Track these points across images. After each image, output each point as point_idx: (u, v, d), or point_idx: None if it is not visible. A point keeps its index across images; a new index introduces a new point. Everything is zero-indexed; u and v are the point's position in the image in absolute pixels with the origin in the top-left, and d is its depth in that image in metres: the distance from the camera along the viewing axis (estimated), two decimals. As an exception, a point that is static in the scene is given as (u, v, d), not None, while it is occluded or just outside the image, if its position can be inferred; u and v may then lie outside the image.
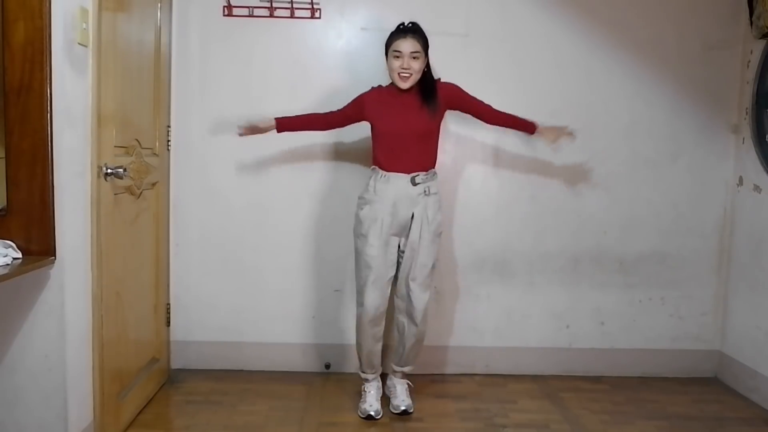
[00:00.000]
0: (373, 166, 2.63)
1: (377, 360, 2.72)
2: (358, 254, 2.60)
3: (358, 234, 2.60)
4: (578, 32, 3.09)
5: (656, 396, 2.97)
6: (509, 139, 3.06)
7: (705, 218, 3.20)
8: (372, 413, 2.61)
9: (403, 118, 2.57)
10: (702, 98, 3.15)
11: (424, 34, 2.56)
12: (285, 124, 2.69)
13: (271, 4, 3.00)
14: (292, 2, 3.00)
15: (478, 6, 3.06)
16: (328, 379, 3.07)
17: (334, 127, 2.76)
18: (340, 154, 3.03)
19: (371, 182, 2.60)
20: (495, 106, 3.09)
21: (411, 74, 2.52)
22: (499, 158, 3.10)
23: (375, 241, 2.55)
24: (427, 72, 2.59)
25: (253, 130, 2.67)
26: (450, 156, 3.10)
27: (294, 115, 2.71)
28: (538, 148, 3.10)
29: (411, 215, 2.58)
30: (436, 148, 2.68)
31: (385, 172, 2.57)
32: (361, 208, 2.60)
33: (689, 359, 3.24)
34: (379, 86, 2.67)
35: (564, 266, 3.19)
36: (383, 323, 2.66)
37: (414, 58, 2.50)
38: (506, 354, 3.20)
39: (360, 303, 2.61)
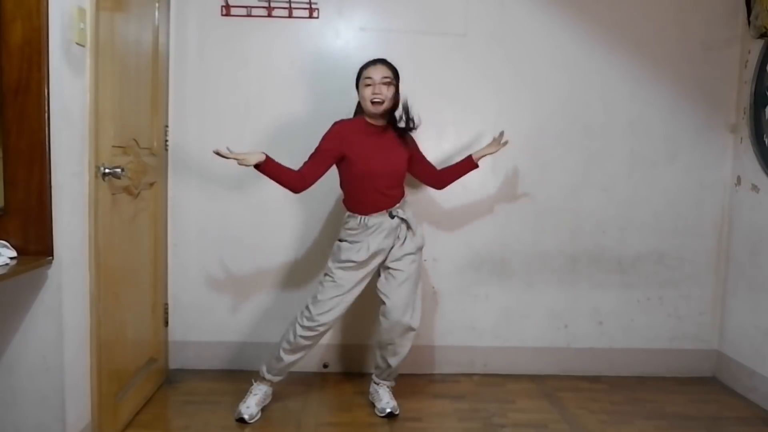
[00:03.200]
0: (348, 212, 2.60)
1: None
2: (332, 276, 2.55)
3: (336, 260, 2.57)
4: (576, 32, 3.09)
5: (654, 396, 2.98)
6: (507, 139, 3.05)
7: (703, 218, 3.21)
8: (246, 417, 2.55)
9: (382, 156, 2.55)
10: (700, 98, 3.15)
11: (393, 65, 2.56)
12: (269, 166, 2.46)
13: (269, 4, 2.99)
14: (290, 2, 2.99)
15: (476, 6, 3.05)
16: (326, 379, 3.07)
17: (308, 182, 2.53)
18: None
19: (352, 225, 2.57)
20: (493, 107, 3.11)
21: (383, 100, 2.50)
22: (497, 157, 3.09)
23: (354, 271, 2.54)
24: (396, 105, 2.58)
25: (235, 156, 2.39)
26: (448, 155, 3.09)
27: (281, 164, 2.51)
28: (537, 149, 3.11)
29: (393, 243, 2.58)
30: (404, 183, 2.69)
31: (363, 216, 2.56)
32: (342, 242, 2.59)
33: (687, 359, 3.24)
34: (342, 120, 2.61)
35: (562, 266, 3.19)
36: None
37: (385, 83, 2.50)
38: (504, 354, 3.20)
39: (309, 315, 2.53)
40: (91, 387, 2.18)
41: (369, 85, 2.51)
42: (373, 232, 2.55)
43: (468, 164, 2.75)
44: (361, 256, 2.53)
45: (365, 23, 3.03)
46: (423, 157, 2.74)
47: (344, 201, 2.66)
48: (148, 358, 2.79)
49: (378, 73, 2.50)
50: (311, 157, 2.54)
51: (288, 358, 2.60)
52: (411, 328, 2.61)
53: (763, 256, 2.92)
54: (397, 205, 2.61)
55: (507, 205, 3.15)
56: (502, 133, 2.75)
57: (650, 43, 3.11)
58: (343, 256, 2.55)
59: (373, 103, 2.51)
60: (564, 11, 3.08)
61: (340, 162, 2.58)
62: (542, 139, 3.12)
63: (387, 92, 2.51)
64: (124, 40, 2.42)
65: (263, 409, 2.66)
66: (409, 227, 2.61)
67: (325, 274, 2.59)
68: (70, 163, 2.01)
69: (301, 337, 2.55)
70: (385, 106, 2.53)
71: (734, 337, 3.13)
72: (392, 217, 2.57)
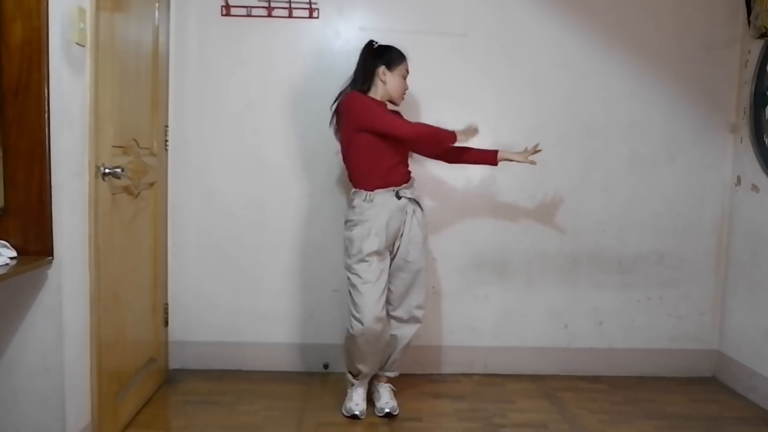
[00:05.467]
0: (354, 189, 2.61)
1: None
2: (355, 275, 2.53)
3: (352, 255, 2.54)
4: (576, 32, 3.09)
5: (654, 396, 2.98)
6: (507, 139, 3.05)
7: (703, 218, 3.21)
8: (357, 413, 2.61)
9: None
10: (700, 98, 3.15)
11: None
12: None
13: (269, 4, 2.99)
14: (290, 2, 2.99)
15: (476, 6, 3.05)
16: (327, 380, 3.06)
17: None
18: (338, 153, 3.02)
19: (357, 203, 2.57)
20: (493, 108, 3.11)
21: None
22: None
23: (372, 260, 2.52)
24: None
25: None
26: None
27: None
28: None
29: (400, 226, 2.59)
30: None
31: (369, 192, 2.56)
32: (351, 230, 2.56)
33: (687, 359, 3.24)
34: (362, 94, 2.62)
35: (562, 266, 3.19)
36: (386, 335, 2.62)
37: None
38: (505, 354, 3.20)
39: (355, 323, 2.51)
40: (91, 387, 2.18)
41: (405, 77, 2.64)
42: (379, 210, 2.54)
43: (489, 158, 2.79)
44: (371, 245, 2.51)
45: (365, 23, 3.03)
46: None
47: (351, 177, 2.64)
48: (148, 358, 2.79)
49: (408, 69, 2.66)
50: (389, 117, 2.56)
51: (365, 367, 2.61)
52: (417, 320, 2.68)
53: (763, 256, 2.92)
54: (404, 185, 2.62)
55: (507, 205, 3.15)
56: (536, 148, 2.76)
57: (650, 43, 3.11)
58: (355, 248, 2.53)
59: (403, 97, 2.67)
60: (564, 11, 3.08)
61: (361, 132, 2.53)
62: (542, 139, 3.08)
63: None
64: (124, 40, 2.41)
65: (264, 408, 2.67)
66: (418, 205, 2.63)
67: (352, 275, 2.55)
68: (70, 163, 2.01)
69: (365, 344, 2.52)
70: None
71: (734, 337, 3.13)
72: (399, 197, 2.58)
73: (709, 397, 2.98)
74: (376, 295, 2.51)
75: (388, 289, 2.62)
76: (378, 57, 2.61)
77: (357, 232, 2.54)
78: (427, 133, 2.63)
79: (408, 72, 2.65)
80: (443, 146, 2.73)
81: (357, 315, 2.50)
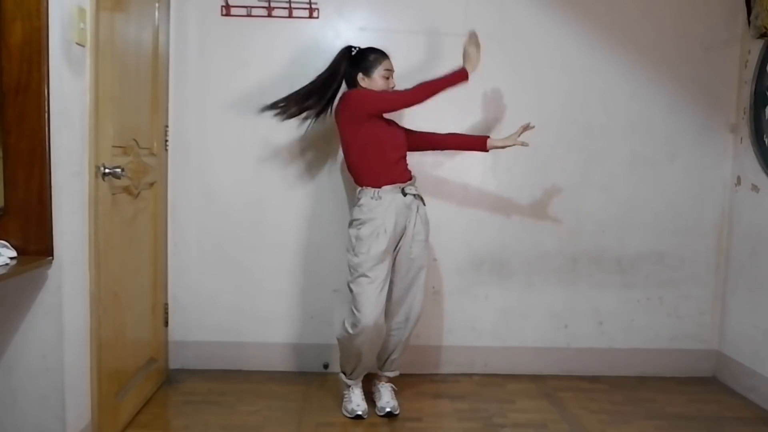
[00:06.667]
0: (361, 188, 2.59)
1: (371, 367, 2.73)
2: (361, 274, 2.50)
3: (360, 253, 2.51)
4: (576, 32, 3.09)
5: (654, 395, 2.98)
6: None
7: (703, 218, 3.21)
8: (360, 413, 2.62)
9: (393, 128, 2.65)
10: (700, 98, 3.15)
11: None
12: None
13: (269, 4, 2.99)
14: (290, 2, 2.99)
15: (476, 6, 3.05)
16: (327, 379, 3.06)
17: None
18: (338, 154, 3.02)
19: (364, 201, 2.56)
20: (493, 108, 3.11)
21: None
22: (497, 157, 3.10)
23: (380, 259, 2.51)
24: None
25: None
26: (448, 155, 3.09)
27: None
28: (537, 149, 3.10)
29: (406, 223, 2.59)
30: None
31: (376, 189, 2.55)
32: (359, 228, 2.54)
33: (687, 359, 3.24)
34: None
35: (562, 266, 3.19)
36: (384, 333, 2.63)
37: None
38: (504, 354, 3.20)
39: (355, 322, 2.50)
40: (91, 387, 2.18)
41: (387, 78, 2.61)
42: (387, 207, 2.53)
43: (479, 144, 2.79)
44: (380, 244, 2.49)
45: (365, 23, 3.03)
46: (413, 130, 2.78)
47: (356, 177, 2.63)
48: (148, 358, 2.79)
49: (392, 66, 2.64)
50: (390, 93, 2.62)
51: (362, 366, 2.63)
52: (414, 319, 2.67)
53: (763, 256, 2.92)
54: (409, 182, 2.62)
55: (507, 205, 3.15)
56: (527, 126, 2.76)
57: (650, 43, 3.11)
58: (364, 247, 2.50)
59: None
60: (564, 12, 3.08)
61: (359, 127, 2.55)
62: (542, 139, 3.10)
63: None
64: (124, 40, 2.42)
65: (264, 408, 2.68)
66: (421, 201, 2.64)
67: (357, 274, 2.51)
68: (70, 163, 2.01)
69: (365, 342, 2.53)
70: None
71: (734, 337, 3.13)
72: (404, 194, 2.58)
73: (709, 397, 2.98)
74: (381, 294, 2.52)
75: (397, 289, 2.63)
76: (354, 65, 2.63)
77: (365, 230, 2.52)
78: (432, 86, 2.57)
79: (391, 70, 2.62)
80: (453, 85, 2.59)
81: (359, 314, 2.49)
